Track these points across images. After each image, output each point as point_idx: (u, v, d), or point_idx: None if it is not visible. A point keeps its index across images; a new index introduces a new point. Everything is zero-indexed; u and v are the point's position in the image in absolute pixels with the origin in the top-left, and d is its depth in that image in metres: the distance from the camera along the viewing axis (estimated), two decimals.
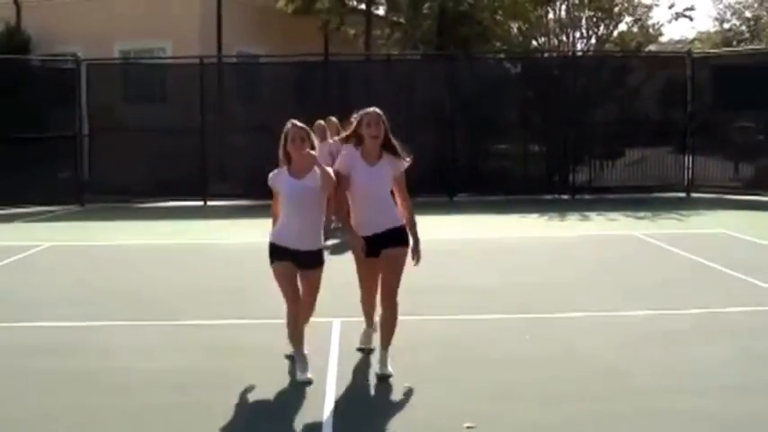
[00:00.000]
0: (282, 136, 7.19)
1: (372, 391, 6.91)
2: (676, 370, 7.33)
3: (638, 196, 21.49)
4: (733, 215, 18.42)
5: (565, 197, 22.11)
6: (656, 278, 11.43)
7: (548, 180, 23.28)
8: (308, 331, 7.44)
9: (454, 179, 21.88)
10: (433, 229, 16.71)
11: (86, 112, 21.88)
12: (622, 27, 27.15)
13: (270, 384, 7.02)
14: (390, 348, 7.21)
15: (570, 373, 7.26)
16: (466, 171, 22.51)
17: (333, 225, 15.99)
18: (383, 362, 7.23)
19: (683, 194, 21.98)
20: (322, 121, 16.09)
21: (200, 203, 21.42)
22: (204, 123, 21.69)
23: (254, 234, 14.88)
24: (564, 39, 26.57)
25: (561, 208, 19.84)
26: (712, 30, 46.20)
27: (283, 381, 7.15)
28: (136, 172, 21.53)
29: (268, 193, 7.40)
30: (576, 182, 22.62)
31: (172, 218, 19.12)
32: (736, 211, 19.05)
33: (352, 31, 28.09)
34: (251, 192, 20.51)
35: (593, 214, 18.63)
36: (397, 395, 6.75)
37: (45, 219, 19.27)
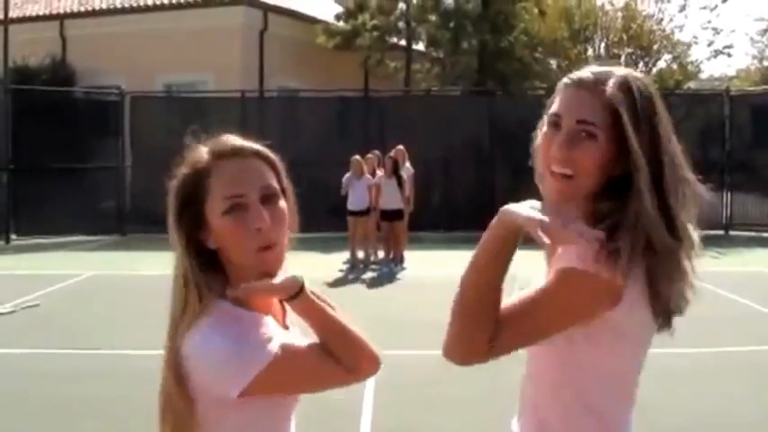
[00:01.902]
0: (178, 193, 2.34)
1: (409, 422, 6.97)
2: (702, 408, 7.37)
3: None
4: None
5: None
6: (687, 315, 11.39)
7: None
8: None
9: (494, 213, 21.84)
10: None
11: (129, 144, 22.22)
12: (661, 64, 27.18)
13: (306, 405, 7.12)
14: (417, 384, 6.58)
15: None
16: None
17: (371, 257, 16.26)
18: None
19: (721, 232, 21.89)
20: (358, 157, 16.26)
21: None
22: None
23: (294, 268, 15.08)
24: None
25: None
26: (752, 67, 46.02)
27: (320, 401, 7.25)
28: None
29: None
30: None
31: None
32: None
33: (392, 64, 28.31)
34: None
35: None
36: (435, 427, 6.82)
37: (87, 248, 19.53)
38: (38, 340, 10.01)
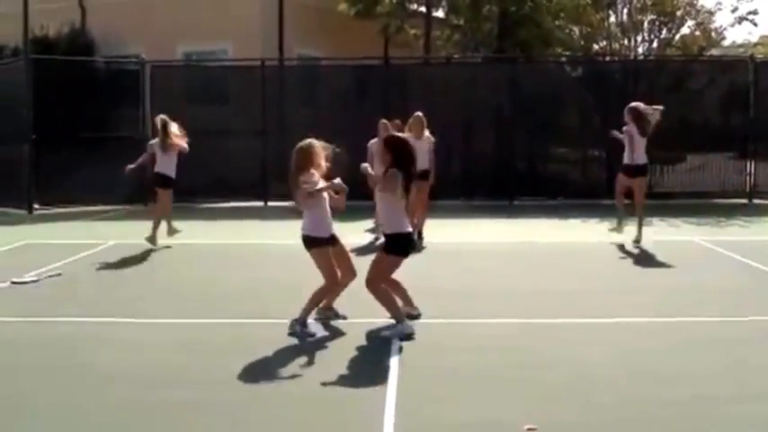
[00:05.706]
0: None
1: (434, 391, 6.94)
2: (734, 377, 7.29)
3: (700, 202, 21.29)
4: None
5: (626, 202, 21.92)
6: (716, 285, 11.33)
7: (607, 184, 23.12)
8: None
9: (514, 182, 21.84)
10: (494, 231, 16.77)
11: (150, 113, 22.17)
12: (684, 31, 26.93)
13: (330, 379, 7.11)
14: (451, 350, 6.96)
15: (626, 378, 7.24)
16: (525, 174, 22.48)
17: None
18: None
19: (744, 201, 21.74)
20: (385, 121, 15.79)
21: (261, 204, 21.60)
22: (265, 125, 21.89)
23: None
24: (625, 42, 26.41)
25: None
26: None
27: (342, 374, 7.23)
28: (198, 173, 21.70)
29: None
30: None
31: (233, 218, 19.33)
32: None
33: (413, 31, 28.15)
34: None
35: (654, 219, 18.42)
36: (458, 396, 6.79)
37: (110, 217, 19.59)
38: (61, 309, 10.03)
